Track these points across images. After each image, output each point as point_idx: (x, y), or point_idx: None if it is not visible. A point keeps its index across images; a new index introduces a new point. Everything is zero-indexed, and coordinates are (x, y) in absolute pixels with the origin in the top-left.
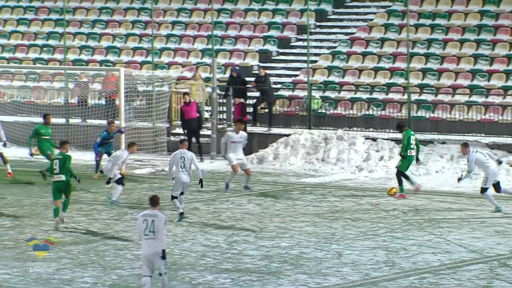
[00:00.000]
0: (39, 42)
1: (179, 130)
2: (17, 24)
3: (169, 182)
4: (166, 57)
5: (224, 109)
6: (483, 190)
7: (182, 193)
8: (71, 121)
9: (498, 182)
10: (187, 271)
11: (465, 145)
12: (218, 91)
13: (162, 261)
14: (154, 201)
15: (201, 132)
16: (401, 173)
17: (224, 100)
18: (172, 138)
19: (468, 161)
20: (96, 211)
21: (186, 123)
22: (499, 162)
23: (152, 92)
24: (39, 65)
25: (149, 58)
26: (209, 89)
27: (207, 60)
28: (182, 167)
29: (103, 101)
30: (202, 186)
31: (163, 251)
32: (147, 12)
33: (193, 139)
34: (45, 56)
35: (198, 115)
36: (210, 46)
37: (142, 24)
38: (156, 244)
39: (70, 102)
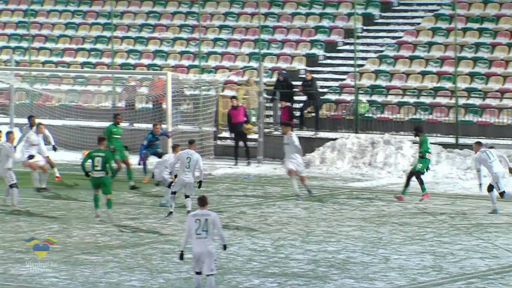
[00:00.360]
0: (87, 46)
1: (226, 134)
2: (65, 28)
3: (216, 186)
4: (213, 61)
5: (271, 113)
6: (501, 194)
7: (187, 196)
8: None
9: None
10: (233, 275)
11: (478, 143)
12: (265, 95)
13: (213, 261)
14: (203, 201)
15: (248, 136)
16: (419, 174)
17: (271, 104)
18: (219, 142)
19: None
20: (144, 214)
21: (234, 127)
22: (511, 170)
23: (199, 96)
24: (87, 69)
25: (196, 62)
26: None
27: (254, 64)
28: (187, 167)
29: (150, 105)
30: (200, 187)
31: (225, 245)
32: (194, 16)
33: (240, 143)
34: (93, 60)
35: (245, 119)
36: (257, 50)
37: (189, 28)
38: (208, 243)
39: (118, 105)
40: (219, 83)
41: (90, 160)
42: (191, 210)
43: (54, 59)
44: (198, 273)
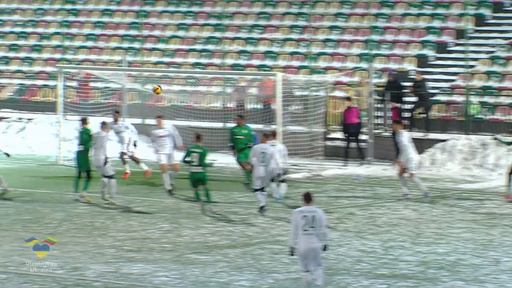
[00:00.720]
0: (198, 47)
1: (336, 135)
2: (177, 29)
3: (325, 186)
4: (322, 62)
5: (381, 114)
6: None
7: (262, 189)
8: (229, 125)
9: None
10: (342, 276)
11: None
12: (375, 96)
13: (319, 256)
14: (308, 197)
15: (360, 137)
16: None
17: (381, 105)
18: (328, 143)
19: None
20: (252, 215)
21: (347, 127)
22: None
23: (308, 96)
24: (198, 70)
25: (306, 63)
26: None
27: (363, 65)
28: (262, 162)
29: (260, 106)
30: (278, 181)
31: (325, 246)
32: (304, 17)
33: (353, 144)
34: (203, 60)
35: (358, 120)
36: (367, 51)
37: (299, 28)
38: (314, 240)
39: (228, 106)
40: (329, 84)
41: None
42: (265, 205)
43: (166, 59)
44: (307, 271)
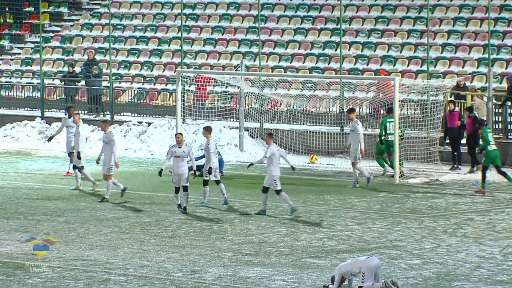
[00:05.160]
0: (316, 51)
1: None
2: (294, 34)
3: (444, 191)
4: (441, 67)
5: (500, 119)
6: None
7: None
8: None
9: None
10: (461, 282)
11: None
12: (494, 101)
13: None
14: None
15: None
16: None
17: (500, 110)
18: (445, 148)
19: None
20: (370, 219)
21: (449, 131)
22: None
23: (426, 101)
24: (315, 74)
25: (424, 67)
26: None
27: (482, 69)
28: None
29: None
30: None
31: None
32: (423, 21)
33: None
34: (321, 65)
35: (459, 124)
36: (486, 56)
37: (417, 33)
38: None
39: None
40: (447, 89)
41: None
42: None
43: (283, 64)
44: None
